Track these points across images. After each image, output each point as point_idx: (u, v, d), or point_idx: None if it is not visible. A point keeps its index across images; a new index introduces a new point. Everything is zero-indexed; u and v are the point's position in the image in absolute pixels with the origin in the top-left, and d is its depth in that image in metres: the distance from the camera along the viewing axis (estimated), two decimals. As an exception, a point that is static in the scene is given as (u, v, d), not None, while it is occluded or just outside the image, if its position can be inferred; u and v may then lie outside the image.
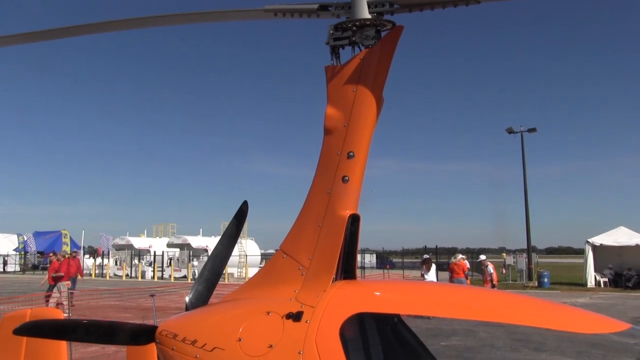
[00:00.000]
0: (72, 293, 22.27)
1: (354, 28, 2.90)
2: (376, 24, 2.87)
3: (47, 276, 21.99)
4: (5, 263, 65.27)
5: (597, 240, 36.73)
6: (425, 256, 24.51)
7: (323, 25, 3.02)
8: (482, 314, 2.89)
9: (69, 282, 21.86)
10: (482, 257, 24.90)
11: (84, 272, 56.48)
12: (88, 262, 60.14)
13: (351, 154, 2.85)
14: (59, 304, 18.76)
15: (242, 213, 3.83)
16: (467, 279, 23.05)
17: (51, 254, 24.04)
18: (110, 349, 11.26)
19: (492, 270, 22.83)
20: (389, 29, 2.89)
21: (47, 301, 18.50)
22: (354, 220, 2.94)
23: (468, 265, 23.38)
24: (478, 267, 26.31)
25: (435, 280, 20.91)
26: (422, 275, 21.88)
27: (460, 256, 24.89)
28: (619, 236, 36.67)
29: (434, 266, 22.21)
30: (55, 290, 21.10)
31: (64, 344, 3.74)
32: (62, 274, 21.59)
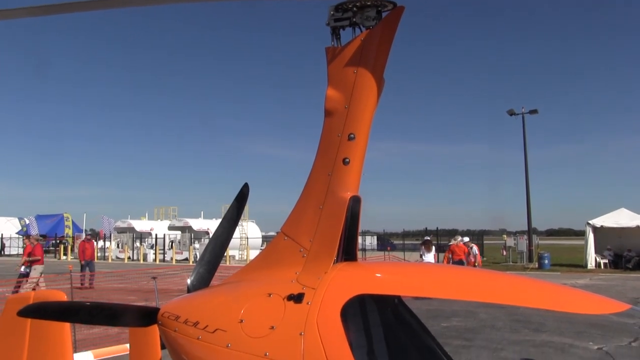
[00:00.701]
0: (92, 275, 22.41)
1: (355, 9, 2.88)
2: (377, 4, 2.84)
3: (23, 260, 21.86)
4: (3, 246, 65.45)
5: (598, 221, 36.79)
6: (426, 238, 24.60)
7: (323, 6, 3.00)
8: (482, 295, 2.90)
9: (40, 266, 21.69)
10: (466, 239, 24.93)
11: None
12: (90, 245, 60.38)
13: (352, 135, 2.84)
14: (34, 289, 18.69)
15: (243, 195, 3.82)
16: (467, 261, 23.19)
17: (25, 238, 24.10)
18: (113, 330, 11.34)
19: (476, 252, 22.94)
20: (390, 9, 2.86)
21: (20, 286, 18.41)
22: (355, 202, 2.93)
23: (475, 251, 23.45)
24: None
25: (433, 261, 21.04)
26: (421, 256, 22.03)
27: (460, 238, 25.00)
28: (620, 218, 36.71)
29: (433, 248, 22.32)
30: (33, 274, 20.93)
31: (67, 326, 3.77)
32: (38, 258, 21.50)
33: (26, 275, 21.05)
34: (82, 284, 21.75)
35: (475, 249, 23.03)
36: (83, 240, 27.83)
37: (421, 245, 23.39)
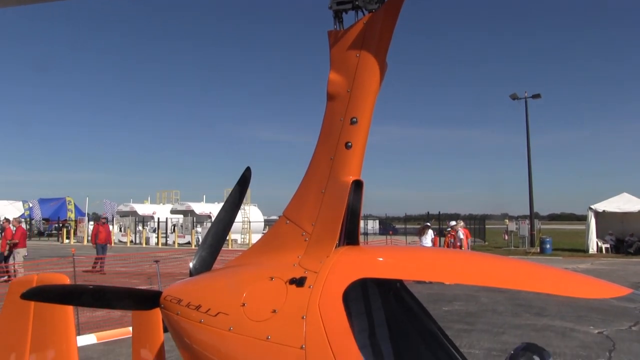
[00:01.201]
0: (102, 259, 22.16)
1: (358, -9, 2.85)
2: (380, -13, 2.81)
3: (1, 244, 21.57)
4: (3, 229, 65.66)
5: (600, 206, 36.79)
6: (427, 224, 24.78)
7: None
8: (484, 280, 2.90)
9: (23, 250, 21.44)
10: (452, 222, 24.96)
11: (90, 238, 57.24)
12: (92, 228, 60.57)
13: (354, 119, 2.83)
14: (16, 272, 18.65)
15: (245, 179, 3.82)
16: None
17: (4, 221, 23.72)
18: (116, 314, 11.42)
19: (462, 236, 22.97)
20: (393, -8, 2.83)
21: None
22: (357, 186, 2.93)
23: (461, 235, 23.54)
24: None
25: (430, 245, 21.16)
26: (420, 240, 22.25)
27: (462, 222, 25.06)
28: (622, 202, 36.71)
29: (430, 231, 22.42)
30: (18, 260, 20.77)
31: (70, 309, 3.79)
32: (17, 241, 21.29)
33: (5, 259, 20.84)
34: (93, 267, 21.64)
35: (461, 232, 23.07)
36: (97, 223, 26.92)
37: (420, 230, 23.56)
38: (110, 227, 57.15)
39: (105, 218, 30.72)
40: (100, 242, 25.19)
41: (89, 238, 57.36)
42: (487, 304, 15.25)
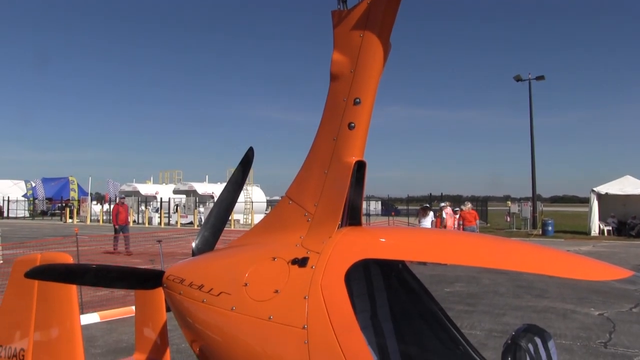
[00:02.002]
0: (127, 239, 21.71)
1: (362, -29, 2.82)
2: (384, -34, 2.78)
3: None
4: (8, 209, 65.80)
5: (603, 189, 36.77)
6: (425, 205, 24.77)
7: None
8: (485, 261, 2.91)
9: None
10: (442, 204, 24.97)
11: (92, 217, 57.52)
12: (95, 208, 60.78)
13: (357, 100, 2.81)
14: None
15: (248, 159, 3.81)
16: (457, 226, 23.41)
17: None
18: (119, 292, 11.50)
19: (444, 216, 23.02)
20: (398, -28, 2.80)
21: None
22: (360, 167, 2.92)
23: (444, 215, 23.60)
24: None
25: (429, 226, 21.17)
26: (419, 222, 22.23)
27: (469, 204, 25.11)
28: (625, 185, 36.69)
29: (431, 213, 22.37)
30: None
31: (74, 288, 3.81)
32: None
33: None
34: (114, 249, 21.34)
35: (444, 213, 23.13)
36: (117, 204, 25.94)
37: (420, 211, 23.52)
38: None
39: (123, 198, 30.20)
40: (121, 223, 24.62)
41: (92, 217, 57.87)
42: (489, 286, 15.31)
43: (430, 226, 21.45)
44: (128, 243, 21.25)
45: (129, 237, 21.74)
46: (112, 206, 57.48)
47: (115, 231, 24.09)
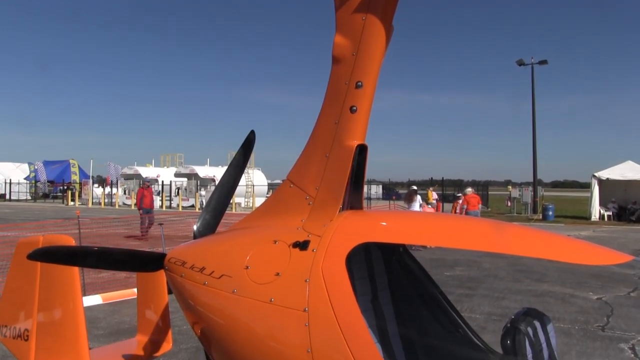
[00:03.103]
0: (151, 224, 21.13)
1: (364, -47, 2.79)
2: (387, -52, 2.75)
3: None
4: (11, 192, 65.84)
5: (604, 174, 36.75)
6: (413, 188, 23.79)
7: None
8: (485, 245, 2.92)
9: None
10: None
11: (94, 200, 57.58)
12: (97, 191, 60.83)
13: (359, 83, 2.80)
14: None
15: (250, 142, 3.80)
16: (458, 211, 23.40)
17: None
18: (121, 275, 11.54)
19: (433, 201, 22.88)
20: (401, -46, 2.77)
21: None
22: (361, 150, 2.91)
23: (435, 196, 23.48)
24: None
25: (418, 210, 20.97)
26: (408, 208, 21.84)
27: (470, 189, 25.06)
28: (626, 170, 36.66)
29: (418, 197, 22.03)
30: None
31: (76, 270, 3.82)
32: None
33: None
34: (142, 235, 20.40)
35: (434, 201, 23.04)
36: (141, 187, 24.99)
37: (407, 196, 23.03)
38: (115, 190, 57.59)
39: (149, 181, 29.42)
40: (146, 207, 23.58)
41: (94, 200, 57.93)
42: (489, 270, 15.37)
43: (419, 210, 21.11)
44: (149, 227, 20.57)
45: (153, 220, 20.92)
46: (117, 189, 57.88)
47: (141, 215, 22.47)
